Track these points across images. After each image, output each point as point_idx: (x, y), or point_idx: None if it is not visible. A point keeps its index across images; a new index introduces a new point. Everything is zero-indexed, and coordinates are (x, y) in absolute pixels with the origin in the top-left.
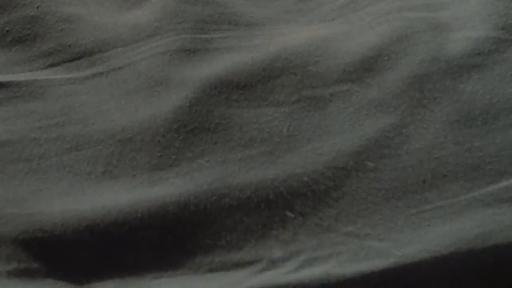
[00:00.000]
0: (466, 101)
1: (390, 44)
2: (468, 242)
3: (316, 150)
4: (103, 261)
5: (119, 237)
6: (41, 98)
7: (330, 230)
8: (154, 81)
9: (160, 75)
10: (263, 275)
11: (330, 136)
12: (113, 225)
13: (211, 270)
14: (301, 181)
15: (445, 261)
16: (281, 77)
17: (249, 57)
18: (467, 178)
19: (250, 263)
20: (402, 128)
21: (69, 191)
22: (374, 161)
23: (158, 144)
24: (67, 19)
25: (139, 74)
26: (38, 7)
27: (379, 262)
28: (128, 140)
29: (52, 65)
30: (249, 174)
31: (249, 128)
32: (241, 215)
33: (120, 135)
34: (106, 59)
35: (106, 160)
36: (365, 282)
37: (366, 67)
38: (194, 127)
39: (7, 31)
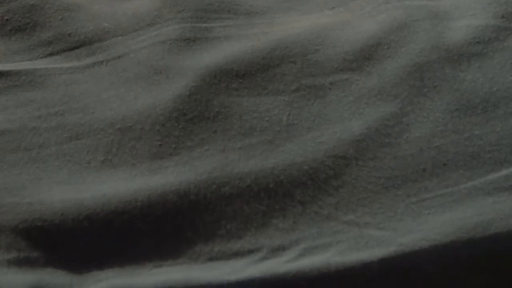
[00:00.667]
0: (466, 89)
1: (390, 33)
2: (468, 230)
3: (316, 138)
4: (103, 249)
5: (119, 226)
6: (40, 87)
7: (330, 219)
8: (153, 70)
9: (160, 64)
10: (263, 264)
11: (330, 125)
12: (112, 214)
13: (211, 259)
14: (301, 170)
15: (445, 249)
16: (281, 66)
17: (249, 45)
18: (467, 167)
19: (250, 251)
20: (402, 116)
21: (69, 180)
22: (374, 150)
23: (158, 133)
24: (66, 8)
25: (139, 63)
26: None
27: (379, 251)
28: (128, 129)
29: (51, 54)
30: (249, 163)
31: (249, 116)
32: (241, 204)
33: (119, 124)
34: (105, 48)
35: (106, 149)
36: (365, 270)
37: (366, 56)
38: (194, 116)
39: (7, 20)
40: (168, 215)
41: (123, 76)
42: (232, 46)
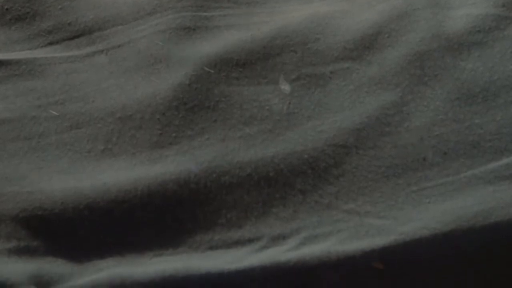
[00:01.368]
0: (466, 78)
1: (390, 22)
2: (468, 219)
3: (316, 127)
4: (103, 238)
5: (119, 215)
6: (40, 76)
7: (330, 208)
8: (153, 59)
9: (160, 53)
10: (263, 253)
11: (330, 114)
12: (113, 203)
13: (211, 248)
14: (301, 159)
15: (445, 238)
16: (281, 55)
17: (249, 34)
18: (468, 156)
19: (250, 240)
20: (402, 105)
21: (69, 169)
22: (374, 139)
23: (158, 122)
24: None
25: (139, 52)
26: None
27: (380, 239)
28: (128, 118)
29: (51, 43)
30: (249, 152)
31: (249, 106)
32: (241, 193)
33: (119, 113)
34: (105, 37)
35: (106, 138)
36: (365, 259)
37: (367, 45)
38: (194, 105)
39: (7, 9)
40: (168, 204)
41: (123, 65)
42: (232, 35)
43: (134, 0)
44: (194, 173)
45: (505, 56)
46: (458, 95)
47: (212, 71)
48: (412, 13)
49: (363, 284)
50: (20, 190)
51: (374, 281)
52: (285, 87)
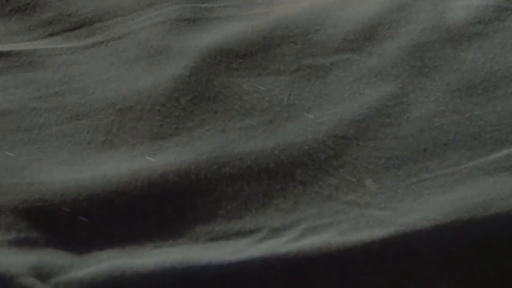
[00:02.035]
0: (466, 69)
1: (390, 13)
2: (468, 210)
3: (316, 118)
4: (103, 230)
5: (119, 206)
6: (41, 67)
7: (330, 199)
8: (154, 50)
9: (160, 44)
10: (263, 244)
11: (330, 105)
12: (113, 194)
13: (212, 239)
14: (301, 150)
15: (445, 229)
16: (282, 46)
17: (249, 26)
18: (468, 147)
19: (250, 232)
20: (402, 96)
21: (69, 160)
22: (375, 130)
23: (158, 113)
24: None
25: (139, 43)
26: None
27: (380, 231)
28: (128, 109)
29: (52, 35)
30: (249, 143)
31: (249, 97)
32: (241, 184)
33: (120, 104)
34: (106, 28)
35: (106, 129)
36: (365, 250)
37: (367, 36)
38: (194, 96)
39: (7, 0)
40: (169, 195)
41: (123, 57)
42: (232, 26)
43: None
44: (195, 164)
45: (506, 47)
46: (459, 86)
47: (212, 62)
48: (412, 4)
49: (363, 275)
50: (20, 182)
51: (374, 272)
52: (371, 186)
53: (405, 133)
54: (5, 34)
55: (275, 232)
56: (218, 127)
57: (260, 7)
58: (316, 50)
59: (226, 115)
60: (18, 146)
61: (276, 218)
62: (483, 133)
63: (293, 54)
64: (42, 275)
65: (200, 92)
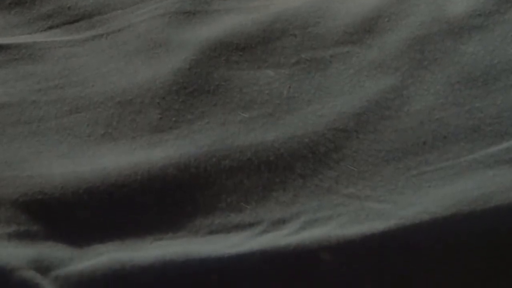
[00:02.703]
0: (466, 62)
1: (390, 5)
2: (468, 203)
3: (316, 111)
4: (103, 223)
5: (119, 199)
6: (40, 60)
7: (330, 192)
8: (153, 43)
9: (160, 37)
10: (263, 237)
11: (330, 98)
12: (112, 187)
13: (211, 232)
14: (301, 143)
15: (445, 222)
16: (281, 39)
17: (249, 18)
18: (468, 140)
19: (250, 225)
20: (402, 89)
21: (69, 153)
22: (375, 123)
23: (158, 106)
24: None
25: (139, 36)
26: None
27: (380, 224)
28: (128, 102)
29: (51, 28)
30: (249, 136)
31: (249, 90)
32: (241, 177)
33: (119, 97)
34: (105, 21)
35: (106, 122)
36: (365, 243)
37: (367, 29)
38: (194, 89)
39: None
40: (168, 188)
41: (123, 49)
42: (232, 19)
43: None
44: (194, 157)
45: (506, 39)
46: (459, 79)
47: (212, 55)
48: None
49: (363, 268)
50: (20, 175)
51: (374, 265)
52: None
53: (405, 126)
54: (5, 27)
55: (275, 225)
56: (218, 120)
57: (260, 0)
58: (316, 43)
59: (226, 108)
60: (17, 139)
61: (276, 211)
62: (483, 126)
63: (293, 47)
64: (42, 268)
65: (199, 85)
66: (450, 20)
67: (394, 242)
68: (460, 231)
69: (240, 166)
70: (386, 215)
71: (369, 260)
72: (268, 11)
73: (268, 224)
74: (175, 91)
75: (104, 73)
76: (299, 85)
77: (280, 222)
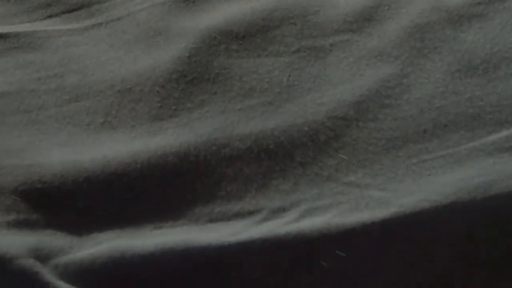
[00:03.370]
0: (466, 50)
1: None
2: (469, 191)
3: (316, 100)
4: (102, 211)
5: (119, 188)
6: (39, 49)
7: (330, 180)
8: (153, 31)
9: (159, 26)
10: (263, 225)
11: (330, 86)
12: (112, 176)
13: (211, 220)
14: (301, 131)
15: (446, 210)
16: (281, 27)
17: (249, 7)
18: (468, 128)
19: (250, 213)
20: (402, 77)
21: (69, 142)
22: (374, 111)
23: (158, 95)
24: None
25: (138, 24)
26: None
27: (380, 212)
28: (127, 91)
29: (50, 16)
30: (249, 124)
31: (249, 78)
32: (241, 165)
33: (119, 85)
34: (105, 9)
35: (105, 111)
36: (365, 231)
37: (366, 17)
38: (194, 77)
39: None
40: (168, 176)
41: (123, 38)
42: (231, 7)
43: None
44: (194, 145)
45: (506, 28)
46: (459, 67)
47: (211, 44)
48: None
49: (363, 257)
50: (19, 163)
51: (374, 254)
52: None
53: (405, 114)
54: (4, 16)
55: (275, 213)
56: (218, 108)
57: None
58: (315, 31)
59: (226, 96)
60: (17, 128)
61: (275, 199)
62: (483, 114)
63: (292, 35)
64: (42, 256)
65: (199, 73)
66: (450, 8)
67: (394, 230)
68: (461, 219)
69: (240, 154)
70: (386, 203)
71: (369, 248)
72: None
73: (268, 212)
74: (174, 79)
75: (104, 61)
76: (299, 73)
77: (280, 210)
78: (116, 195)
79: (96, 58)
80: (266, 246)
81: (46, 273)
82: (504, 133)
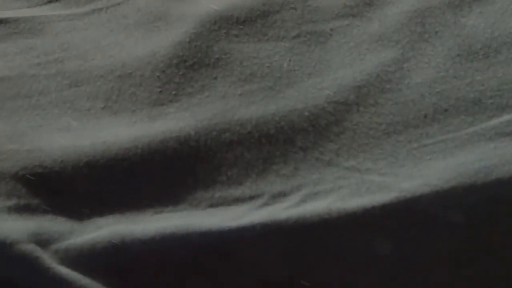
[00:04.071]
0: (467, 35)
1: None
2: (469, 176)
3: (317, 84)
4: (103, 196)
5: (119, 173)
6: (40, 34)
7: (331, 165)
8: (153, 16)
9: (160, 11)
10: (264, 210)
11: (331, 71)
12: (113, 161)
13: (212, 205)
14: (302, 116)
15: (446, 195)
16: (281, 12)
17: None
18: (469, 112)
19: (251, 198)
20: (403, 62)
21: (69, 127)
22: (375, 96)
23: (158, 80)
24: None
25: (139, 9)
26: None
27: (380, 197)
28: (128, 76)
29: (51, 1)
30: (249, 109)
31: (249, 63)
32: (241, 150)
33: (119, 70)
34: None
35: (106, 96)
36: (366, 216)
37: (367, 2)
38: (194, 62)
39: None
40: (169, 161)
41: (123, 23)
42: None
43: None
44: (195, 130)
45: (507, 12)
46: (459, 52)
47: (212, 28)
48: None
49: (363, 241)
50: (20, 148)
51: (374, 238)
52: None
53: (406, 98)
54: (4, 1)
55: (276, 198)
56: (218, 93)
57: None
58: (316, 16)
59: (226, 81)
60: (17, 113)
61: (276, 184)
62: (484, 99)
63: (293, 20)
64: (42, 241)
65: (199, 58)
66: None
67: (395, 214)
68: (461, 204)
69: (240, 139)
70: (386, 188)
71: (370, 233)
72: None
73: (268, 197)
74: (175, 64)
75: (104, 46)
76: (300, 58)
77: (281, 195)
78: (116, 180)
79: (97, 43)
80: (267, 230)
81: (47, 258)
82: (505, 117)
